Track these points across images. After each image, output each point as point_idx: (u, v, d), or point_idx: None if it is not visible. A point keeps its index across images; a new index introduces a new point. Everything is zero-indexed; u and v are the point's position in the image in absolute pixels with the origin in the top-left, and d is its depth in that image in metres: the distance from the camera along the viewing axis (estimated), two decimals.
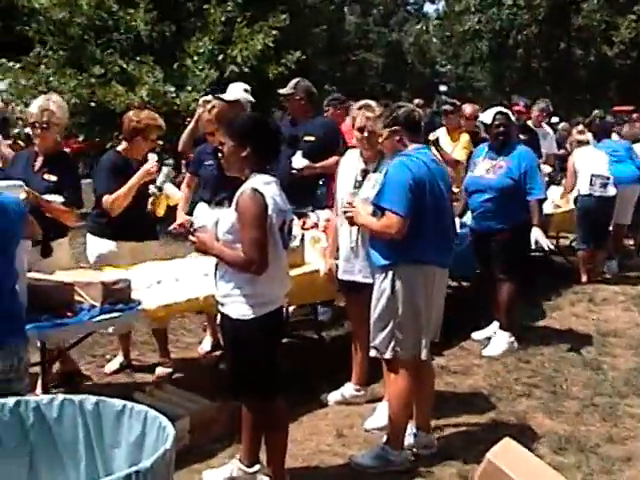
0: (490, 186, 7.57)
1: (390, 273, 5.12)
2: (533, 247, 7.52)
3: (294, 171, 7.43)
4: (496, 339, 7.60)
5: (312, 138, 7.59)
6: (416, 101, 8.55)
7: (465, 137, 9.68)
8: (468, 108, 10.16)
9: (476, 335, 7.90)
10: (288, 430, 4.86)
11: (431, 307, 5.19)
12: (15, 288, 4.23)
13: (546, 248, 7.62)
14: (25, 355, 4.16)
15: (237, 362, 4.60)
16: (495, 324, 7.80)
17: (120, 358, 7.00)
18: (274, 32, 14.80)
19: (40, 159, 6.08)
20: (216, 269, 4.63)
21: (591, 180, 10.11)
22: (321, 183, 8.16)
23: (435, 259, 5.15)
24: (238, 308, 4.48)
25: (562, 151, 12.79)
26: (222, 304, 4.59)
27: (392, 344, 5.17)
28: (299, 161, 7.45)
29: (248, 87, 7.95)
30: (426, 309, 5.15)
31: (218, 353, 7.01)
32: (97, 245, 6.57)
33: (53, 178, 5.92)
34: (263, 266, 4.36)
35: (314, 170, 7.49)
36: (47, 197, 5.68)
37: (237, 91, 7.70)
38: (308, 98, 7.83)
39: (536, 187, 7.47)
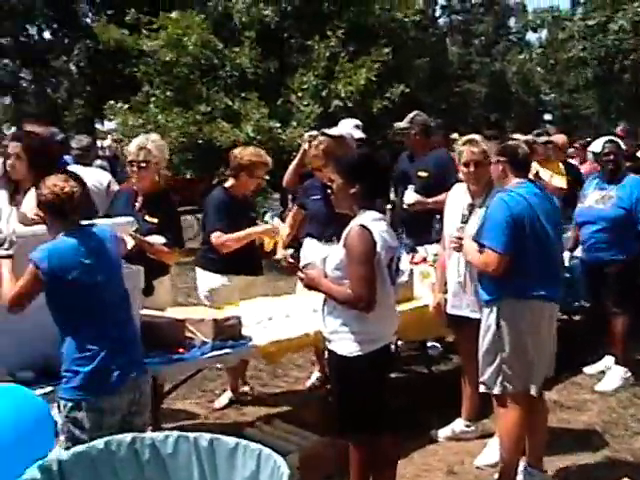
0: (601, 217, 7.44)
1: (495, 308, 5.10)
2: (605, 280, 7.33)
3: (405, 206, 7.43)
4: (610, 374, 7.43)
5: (425, 174, 7.55)
6: (520, 137, 8.42)
7: (560, 165, 9.51)
8: (559, 139, 9.97)
9: (588, 370, 7.73)
10: (396, 467, 4.83)
11: (541, 342, 5.12)
12: (132, 320, 4.35)
13: None
14: (146, 389, 4.26)
15: (344, 398, 4.61)
16: (608, 358, 7.63)
17: (229, 393, 7.06)
18: (377, 66, 14.84)
19: (140, 199, 6.10)
20: (324, 305, 4.64)
21: None
22: (438, 217, 8.08)
23: (541, 294, 5.08)
24: (346, 345, 4.49)
25: None
26: (330, 340, 4.61)
27: (500, 379, 5.13)
28: (410, 196, 7.44)
29: (360, 123, 7.93)
30: (535, 344, 5.09)
31: (326, 387, 7.01)
32: (208, 279, 6.68)
33: (154, 220, 5.90)
34: (371, 303, 4.37)
35: (425, 205, 7.42)
36: (149, 239, 5.71)
37: (345, 127, 7.69)
38: (424, 132, 7.79)
39: None
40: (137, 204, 6.09)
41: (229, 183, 6.75)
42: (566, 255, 7.52)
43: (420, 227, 7.38)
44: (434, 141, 8.45)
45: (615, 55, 34.27)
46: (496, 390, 5.17)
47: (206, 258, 6.74)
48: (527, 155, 5.29)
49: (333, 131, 7.41)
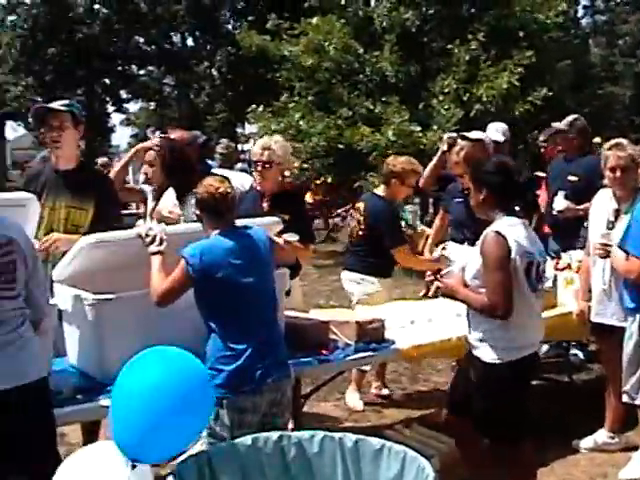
0: None
1: (638, 316, 4.98)
2: None
3: (555, 212, 7.36)
4: None
5: (576, 178, 7.45)
6: None
7: None
8: None
9: None
10: (537, 475, 4.78)
11: None
12: (278, 321, 4.44)
13: None
14: (288, 391, 4.34)
15: (486, 404, 4.57)
16: None
17: (357, 393, 7.13)
18: (519, 69, 14.67)
19: (267, 199, 6.13)
20: (468, 311, 4.65)
21: None
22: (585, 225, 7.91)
23: None
24: (489, 352, 4.48)
25: None
26: (474, 347, 4.60)
27: None
28: (560, 202, 7.34)
29: (504, 127, 7.85)
30: None
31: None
32: (361, 282, 6.83)
33: (286, 217, 5.77)
34: (508, 310, 4.35)
35: (576, 212, 7.28)
36: (285, 236, 5.75)
37: (489, 130, 7.64)
38: (582, 137, 7.70)
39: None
40: (265, 204, 6.13)
41: (381, 190, 6.87)
42: None
43: (569, 232, 7.27)
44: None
45: None
46: (638, 401, 5.06)
47: (363, 261, 6.87)
48: None
49: (472, 135, 7.38)
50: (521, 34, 15.93)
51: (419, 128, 14.10)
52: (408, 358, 5.60)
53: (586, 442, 6.07)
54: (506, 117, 13.60)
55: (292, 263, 5.53)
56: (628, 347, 5.08)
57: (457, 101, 14.58)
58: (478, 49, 15.03)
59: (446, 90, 14.69)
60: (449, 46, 15.21)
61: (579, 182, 7.39)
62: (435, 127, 14.08)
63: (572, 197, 7.31)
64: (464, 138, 7.06)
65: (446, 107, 14.42)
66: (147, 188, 6.39)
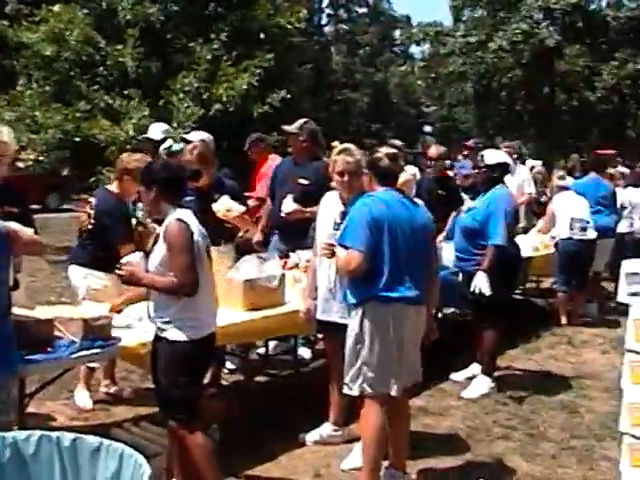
0: (461, 226, 7.73)
1: (359, 311, 5.21)
2: (472, 291, 7.41)
3: (283, 214, 7.49)
4: (476, 382, 7.62)
5: (306, 182, 7.61)
6: (395, 142, 8.54)
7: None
8: (433, 150, 10.10)
9: (455, 376, 7.91)
10: (214, 458, 4.92)
11: (404, 344, 5.24)
12: (6, 316, 4.27)
13: (487, 294, 7.32)
14: (14, 389, 4.19)
15: (171, 383, 4.76)
16: (475, 366, 7.83)
17: (86, 392, 7.01)
18: (259, 71, 14.90)
19: None
20: (154, 296, 4.85)
21: (571, 224, 10.20)
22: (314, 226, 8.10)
23: (403, 296, 5.19)
24: (178, 332, 4.72)
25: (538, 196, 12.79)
26: (162, 329, 4.79)
27: (359, 381, 5.24)
28: (288, 205, 7.48)
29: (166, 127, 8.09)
30: (397, 346, 5.20)
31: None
32: (87, 277, 6.68)
33: (14, 209, 5.51)
34: (195, 287, 4.65)
35: (303, 215, 7.45)
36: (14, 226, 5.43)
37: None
38: (312, 141, 7.83)
39: (495, 233, 7.44)
40: None
41: (114, 186, 6.76)
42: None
43: (296, 233, 7.43)
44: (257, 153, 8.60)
45: (493, 72, 35.24)
46: (355, 391, 5.27)
47: (91, 255, 6.70)
48: (389, 166, 5.40)
49: (192, 136, 7.43)
50: (262, 36, 16.20)
51: None
52: (134, 355, 5.51)
53: (312, 435, 6.23)
54: (244, 117, 13.83)
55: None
56: (349, 341, 5.27)
57: (197, 99, 14.61)
58: (220, 49, 15.13)
59: (187, 88, 14.69)
60: (192, 44, 15.21)
61: (309, 186, 7.56)
62: (175, 124, 14.02)
63: (301, 200, 7.48)
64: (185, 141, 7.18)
65: (186, 105, 14.41)
66: None
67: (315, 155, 7.89)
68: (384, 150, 5.48)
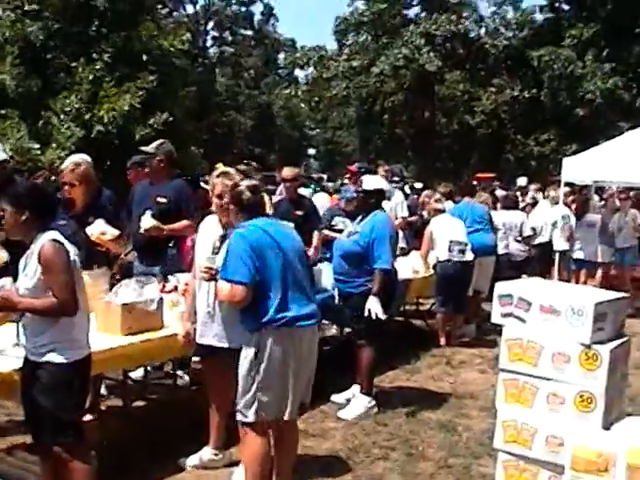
0: (342, 249, 7.85)
1: (254, 337, 5.22)
2: (366, 315, 7.48)
3: (142, 231, 7.48)
4: (354, 402, 7.69)
5: (164, 200, 7.64)
6: (241, 167, 8.71)
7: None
8: (287, 171, 10.10)
9: (335, 398, 7.97)
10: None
11: (299, 367, 5.28)
12: None
13: (382, 317, 7.44)
14: None
15: (56, 407, 4.70)
16: (355, 387, 7.89)
17: None
18: (141, 92, 14.80)
19: None
20: (24, 325, 4.82)
21: (449, 246, 10.39)
22: (171, 245, 8.08)
23: (297, 317, 5.24)
24: (57, 355, 4.69)
25: (414, 217, 13.02)
26: (40, 354, 4.72)
27: (255, 407, 5.23)
28: (147, 221, 7.49)
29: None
30: (293, 370, 5.25)
31: None
32: None
33: None
34: (76, 307, 4.67)
35: (161, 231, 7.52)
36: None
37: None
38: (168, 161, 7.88)
39: (381, 257, 7.56)
40: None
41: None
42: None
43: (152, 253, 7.56)
44: (136, 177, 8.58)
45: (376, 96, 35.78)
46: (250, 418, 5.25)
47: None
48: (251, 199, 5.43)
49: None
50: (146, 58, 16.10)
51: (38, 145, 13.76)
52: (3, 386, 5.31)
53: (192, 460, 6.18)
54: (127, 139, 13.70)
55: None
56: (243, 367, 5.25)
57: (78, 120, 14.41)
58: (103, 69, 14.98)
59: (68, 109, 14.47)
60: (74, 64, 15.02)
61: (168, 204, 7.64)
62: (54, 145, 13.80)
63: (160, 218, 7.53)
64: None
65: (66, 126, 14.20)
66: None
67: (172, 175, 8.00)
68: (245, 183, 5.53)
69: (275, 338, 5.19)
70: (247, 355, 5.24)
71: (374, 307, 7.40)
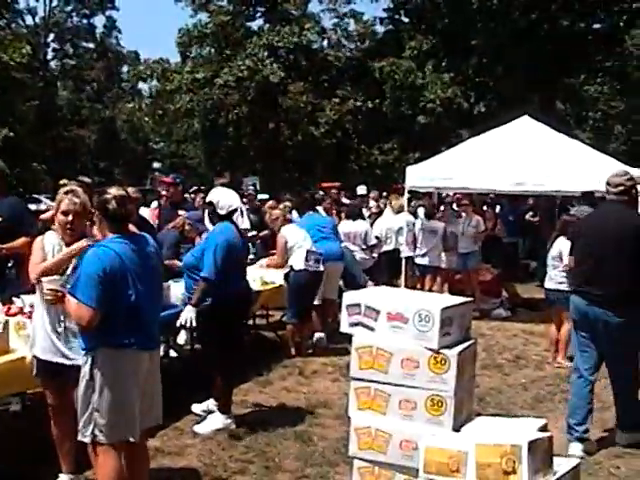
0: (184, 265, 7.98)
1: (90, 357, 5.16)
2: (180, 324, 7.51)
3: None
4: (211, 418, 7.63)
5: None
6: (84, 178, 8.63)
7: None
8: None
9: (195, 408, 7.88)
10: None
11: (139, 389, 5.21)
12: None
13: (187, 324, 7.47)
14: None
15: None
16: (212, 400, 7.82)
17: None
18: None
19: None
20: None
21: (307, 256, 10.41)
22: (10, 265, 7.87)
23: (134, 342, 5.19)
24: None
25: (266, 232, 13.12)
26: None
27: (91, 427, 5.17)
28: None
29: None
30: (132, 392, 5.17)
31: None
32: None
33: None
34: None
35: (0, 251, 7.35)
36: None
37: None
38: (2, 179, 7.70)
39: (204, 266, 7.56)
40: None
41: None
42: None
43: None
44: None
45: (220, 108, 35.76)
46: (87, 439, 5.18)
47: None
48: (117, 210, 5.34)
49: None
50: None
51: None
52: None
53: None
54: None
55: None
56: (81, 386, 5.17)
57: None
58: None
59: None
60: None
61: (2, 222, 7.50)
62: None
63: None
64: None
65: None
66: None
67: (5, 192, 7.82)
68: (113, 192, 5.42)
69: (111, 359, 5.14)
70: (84, 374, 5.17)
71: (185, 315, 7.45)
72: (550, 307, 10.70)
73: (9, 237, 7.31)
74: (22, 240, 7.29)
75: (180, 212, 10.11)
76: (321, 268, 10.60)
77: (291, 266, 10.56)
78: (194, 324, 7.41)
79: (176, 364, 9.26)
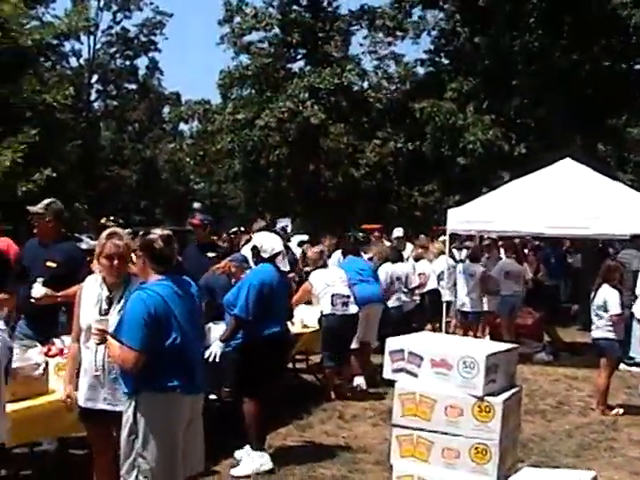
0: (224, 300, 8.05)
1: (133, 401, 5.13)
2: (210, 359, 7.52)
3: (33, 300, 7.22)
4: (246, 459, 7.57)
5: (54, 264, 7.39)
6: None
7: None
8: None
9: (237, 454, 7.80)
10: None
11: (182, 435, 5.16)
12: None
13: (216, 359, 7.57)
14: None
15: None
16: (247, 446, 7.76)
17: None
18: (23, 147, 14.53)
19: None
20: None
21: (332, 300, 10.39)
22: (63, 309, 7.80)
23: (178, 386, 5.16)
24: None
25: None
26: None
27: (135, 473, 5.13)
28: (38, 290, 7.21)
29: None
30: (174, 436, 5.13)
31: None
32: None
33: None
34: None
35: (54, 299, 7.25)
36: None
37: None
38: (57, 221, 7.63)
39: (236, 305, 7.67)
40: None
41: None
42: None
43: (45, 320, 7.29)
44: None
45: (261, 150, 35.91)
46: None
47: None
48: (163, 249, 5.34)
49: None
50: (29, 114, 15.86)
51: None
52: None
53: None
54: (10, 196, 13.40)
55: None
56: (123, 432, 5.15)
57: None
58: None
59: None
60: None
61: (58, 268, 7.38)
62: None
63: (51, 284, 7.27)
64: None
65: None
66: None
67: (62, 235, 7.78)
68: (158, 232, 5.42)
69: (153, 403, 5.12)
70: (127, 419, 5.15)
71: (212, 349, 7.58)
72: (600, 356, 10.46)
73: (64, 283, 7.17)
74: (76, 288, 7.14)
75: (209, 254, 9.95)
76: (351, 311, 10.54)
77: (321, 311, 10.58)
78: (217, 359, 7.49)
79: (213, 406, 9.20)
